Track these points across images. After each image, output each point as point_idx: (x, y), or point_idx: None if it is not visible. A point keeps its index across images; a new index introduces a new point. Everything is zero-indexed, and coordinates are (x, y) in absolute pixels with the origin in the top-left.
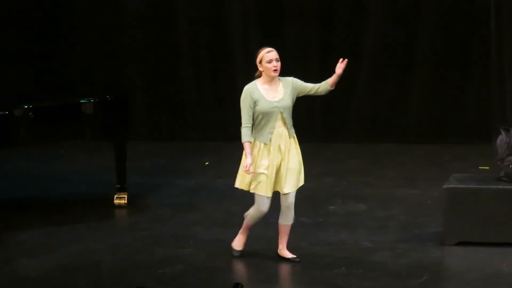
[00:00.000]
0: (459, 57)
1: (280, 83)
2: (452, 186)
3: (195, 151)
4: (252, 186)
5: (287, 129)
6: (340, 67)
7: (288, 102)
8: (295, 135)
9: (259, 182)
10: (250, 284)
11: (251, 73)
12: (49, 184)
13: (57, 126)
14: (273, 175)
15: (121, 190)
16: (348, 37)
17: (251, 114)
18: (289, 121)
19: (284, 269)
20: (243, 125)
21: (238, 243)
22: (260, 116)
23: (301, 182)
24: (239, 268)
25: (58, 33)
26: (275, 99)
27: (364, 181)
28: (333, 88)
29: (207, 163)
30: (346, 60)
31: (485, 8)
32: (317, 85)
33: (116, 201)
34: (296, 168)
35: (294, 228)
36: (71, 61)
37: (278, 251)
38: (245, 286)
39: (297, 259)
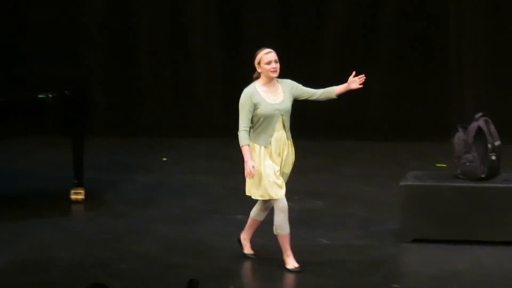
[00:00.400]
0: (418, 55)
1: (279, 85)
2: (409, 183)
3: (153, 147)
4: (273, 192)
5: (285, 131)
6: (356, 82)
7: (288, 104)
8: (291, 138)
9: (280, 185)
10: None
11: (210, 68)
12: (5, 179)
13: (14, 121)
14: (280, 176)
15: (79, 185)
16: (308, 33)
17: (250, 118)
18: (288, 124)
19: (240, 265)
20: (241, 128)
21: (291, 263)
22: (261, 119)
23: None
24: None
25: (16, 28)
26: (276, 102)
27: (322, 178)
28: (336, 98)
29: (165, 159)
30: (364, 76)
31: (444, 5)
32: (318, 91)
33: (73, 196)
34: (289, 172)
35: None
36: (29, 56)
37: (242, 239)
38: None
39: (254, 256)
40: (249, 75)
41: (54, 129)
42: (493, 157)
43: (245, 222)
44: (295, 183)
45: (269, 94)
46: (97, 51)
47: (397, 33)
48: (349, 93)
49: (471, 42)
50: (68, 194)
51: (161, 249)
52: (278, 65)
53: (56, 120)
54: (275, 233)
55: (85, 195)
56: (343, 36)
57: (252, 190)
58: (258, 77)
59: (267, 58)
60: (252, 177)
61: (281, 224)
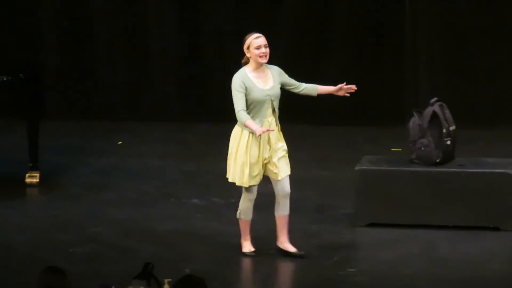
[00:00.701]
0: (373, 39)
1: (268, 70)
2: (364, 168)
3: (108, 131)
4: (244, 180)
5: (275, 117)
6: (343, 91)
7: (278, 90)
8: (279, 123)
9: (256, 175)
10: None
11: (165, 52)
12: None
13: None
14: (261, 163)
15: (33, 168)
16: (264, 17)
17: (245, 100)
18: (277, 109)
19: (195, 248)
20: (239, 109)
21: (247, 246)
22: (251, 105)
23: (289, 171)
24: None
25: None
26: (266, 87)
27: None
28: (315, 97)
29: (120, 142)
30: (355, 87)
31: None
32: (302, 85)
33: (27, 180)
34: (285, 155)
35: (206, 208)
36: None
37: (279, 244)
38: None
39: (302, 253)
40: (204, 58)
41: (9, 112)
42: (448, 142)
43: (201, 205)
44: None
45: (259, 79)
46: (53, 34)
47: (352, 18)
48: (305, 77)
49: (426, 27)
50: (23, 177)
51: (117, 232)
52: (267, 50)
53: (10, 103)
54: (238, 217)
55: (40, 179)
56: (297, 20)
57: (236, 176)
58: (246, 62)
59: (256, 43)
60: (263, 132)
61: (246, 210)
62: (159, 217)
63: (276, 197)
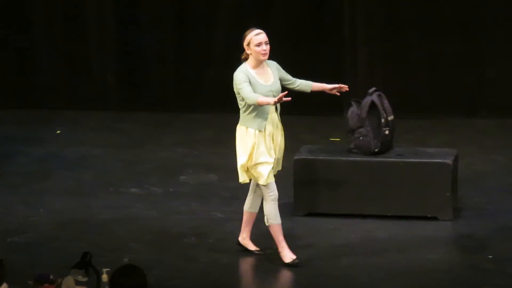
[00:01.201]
0: (311, 28)
1: (267, 66)
2: (302, 157)
3: (47, 120)
4: (262, 179)
5: (277, 114)
6: (336, 91)
7: (279, 85)
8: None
9: (270, 172)
10: None
11: (104, 41)
12: None
13: None
14: (272, 158)
15: None
16: (202, 6)
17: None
18: (279, 105)
19: (134, 237)
20: (248, 93)
21: (288, 255)
22: None
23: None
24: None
25: None
26: (268, 83)
27: (216, 152)
28: (309, 93)
29: (58, 131)
30: (347, 88)
31: None
32: (297, 81)
33: None
34: (282, 157)
35: (144, 197)
36: None
37: (241, 240)
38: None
39: (262, 252)
40: (143, 48)
41: None
42: (386, 132)
43: (140, 194)
44: (189, 157)
45: (260, 76)
46: None
47: (292, 6)
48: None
49: (366, 17)
50: None
51: (55, 222)
52: (268, 47)
53: None
54: (266, 224)
55: None
56: (234, 11)
57: (243, 173)
58: (246, 59)
59: (257, 39)
60: (280, 99)
61: (273, 213)
62: (98, 206)
63: (253, 193)
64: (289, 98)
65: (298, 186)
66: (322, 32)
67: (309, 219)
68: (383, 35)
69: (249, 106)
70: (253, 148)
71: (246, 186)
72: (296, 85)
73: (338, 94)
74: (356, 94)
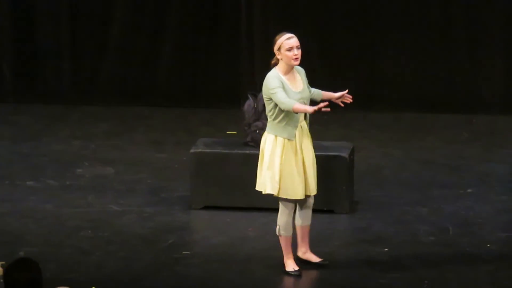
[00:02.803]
0: (209, 20)
1: (296, 72)
2: (199, 150)
3: None
4: (287, 192)
5: (307, 122)
6: (340, 100)
7: (308, 92)
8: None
9: (295, 185)
10: None
11: None
12: None
13: None
14: (302, 172)
15: None
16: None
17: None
18: (309, 114)
19: (32, 229)
20: (283, 98)
21: (291, 265)
22: (285, 111)
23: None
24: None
25: None
26: (298, 90)
27: (112, 144)
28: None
29: None
30: (350, 100)
31: None
32: (311, 89)
33: None
34: (315, 165)
35: (40, 190)
36: None
37: (301, 255)
38: None
39: (326, 262)
40: (38, 39)
41: None
42: (257, 131)
43: (36, 187)
44: (85, 150)
45: (290, 81)
46: None
47: (187, 0)
48: (141, 58)
49: (262, 9)
50: None
51: None
52: (300, 51)
53: None
54: (277, 233)
55: None
56: (130, 3)
57: (274, 184)
58: (276, 64)
59: (288, 44)
60: (320, 109)
61: (286, 225)
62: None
63: (298, 207)
64: (329, 109)
65: (195, 179)
66: (219, 24)
67: (205, 212)
68: (280, 27)
69: (279, 113)
70: (281, 157)
71: (142, 180)
72: (310, 93)
73: (342, 104)
74: (253, 87)
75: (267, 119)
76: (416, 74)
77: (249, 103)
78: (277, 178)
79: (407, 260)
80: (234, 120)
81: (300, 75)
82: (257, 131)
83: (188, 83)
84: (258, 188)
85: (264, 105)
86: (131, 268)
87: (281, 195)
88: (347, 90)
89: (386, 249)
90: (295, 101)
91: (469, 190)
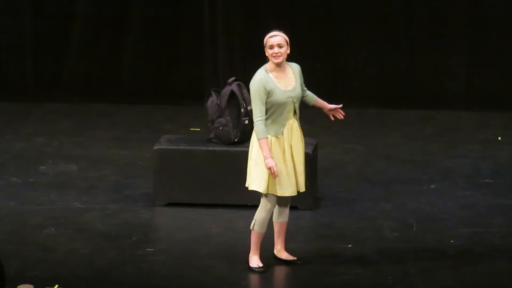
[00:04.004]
0: (172, 16)
1: (290, 69)
2: (162, 147)
3: None
4: (275, 189)
5: (297, 120)
6: (332, 114)
7: (300, 90)
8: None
9: (282, 183)
10: None
11: None
12: None
13: None
14: (291, 170)
15: None
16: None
17: (265, 105)
18: (299, 111)
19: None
20: (257, 119)
21: (255, 261)
22: (272, 108)
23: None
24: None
25: None
26: (288, 88)
27: (76, 141)
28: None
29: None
30: (342, 117)
31: None
32: (306, 92)
33: None
34: (303, 163)
35: (4, 188)
36: None
37: (276, 252)
38: None
39: (299, 262)
40: (0, 37)
41: None
42: (246, 122)
43: None
44: (48, 147)
45: (280, 80)
46: None
47: None
48: (103, 55)
49: (226, 6)
50: None
51: None
52: (282, 49)
53: None
54: (251, 228)
55: None
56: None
57: (261, 181)
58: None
59: (269, 42)
60: (276, 177)
61: (263, 221)
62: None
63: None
64: (276, 175)
65: (158, 176)
66: (182, 20)
67: (169, 209)
68: (243, 24)
69: (268, 111)
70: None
71: (106, 177)
72: (305, 95)
73: (333, 118)
74: (216, 83)
75: (230, 116)
76: (379, 70)
77: (212, 100)
78: (264, 176)
79: (370, 256)
80: (197, 116)
81: (294, 72)
82: (221, 128)
83: (152, 79)
84: (246, 184)
85: (227, 102)
86: (95, 265)
87: (270, 192)
88: (341, 105)
89: (350, 245)
90: (265, 136)
91: (432, 186)
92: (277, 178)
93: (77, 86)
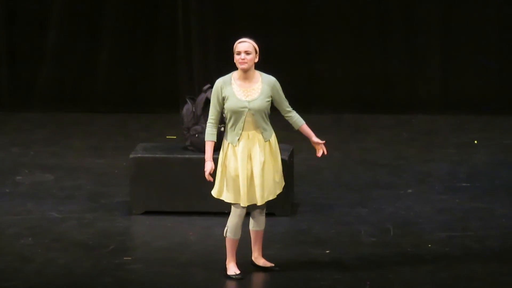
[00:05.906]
0: (147, 25)
1: (261, 79)
2: (138, 155)
3: None
4: (225, 194)
5: (260, 133)
6: (316, 147)
7: (262, 103)
8: (272, 138)
9: (235, 190)
10: None
11: None
12: None
13: None
14: (245, 182)
15: None
16: (34, 4)
17: (219, 110)
18: (262, 124)
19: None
20: (208, 120)
21: (232, 269)
22: (229, 114)
23: (279, 190)
24: None
25: None
26: (247, 98)
27: (51, 151)
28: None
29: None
30: (324, 153)
31: None
32: (292, 113)
33: None
34: (271, 176)
35: None
36: None
37: (254, 259)
38: None
39: (276, 268)
40: None
41: None
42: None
43: None
44: (24, 157)
45: (242, 88)
46: None
47: (124, 5)
48: (78, 64)
49: (200, 13)
50: None
51: None
52: (249, 56)
53: None
54: (224, 235)
55: None
56: (70, 5)
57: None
58: None
59: (237, 47)
60: (209, 180)
61: (235, 227)
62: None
63: (251, 211)
64: (210, 180)
65: (134, 184)
66: (156, 28)
67: (146, 217)
68: (218, 30)
69: (226, 116)
70: (223, 160)
71: (82, 186)
72: (287, 115)
73: (318, 155)
74: (191, 91)
75: (205, 123)
76: (354, 75)
77: (187, 107)
78: (217, 180)
79: (348, 261)
80: (173, 124)
81: (263, 85)
82: (196, 135)
83: (126, 88)
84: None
85: (202, 109)
86: (72, 274)
87: (223, 198)
88: (324, 141)
89: (327, 251)
90: (210, 138)
91: (409, 190)
92: (228, 185)
93: (52, 96)
